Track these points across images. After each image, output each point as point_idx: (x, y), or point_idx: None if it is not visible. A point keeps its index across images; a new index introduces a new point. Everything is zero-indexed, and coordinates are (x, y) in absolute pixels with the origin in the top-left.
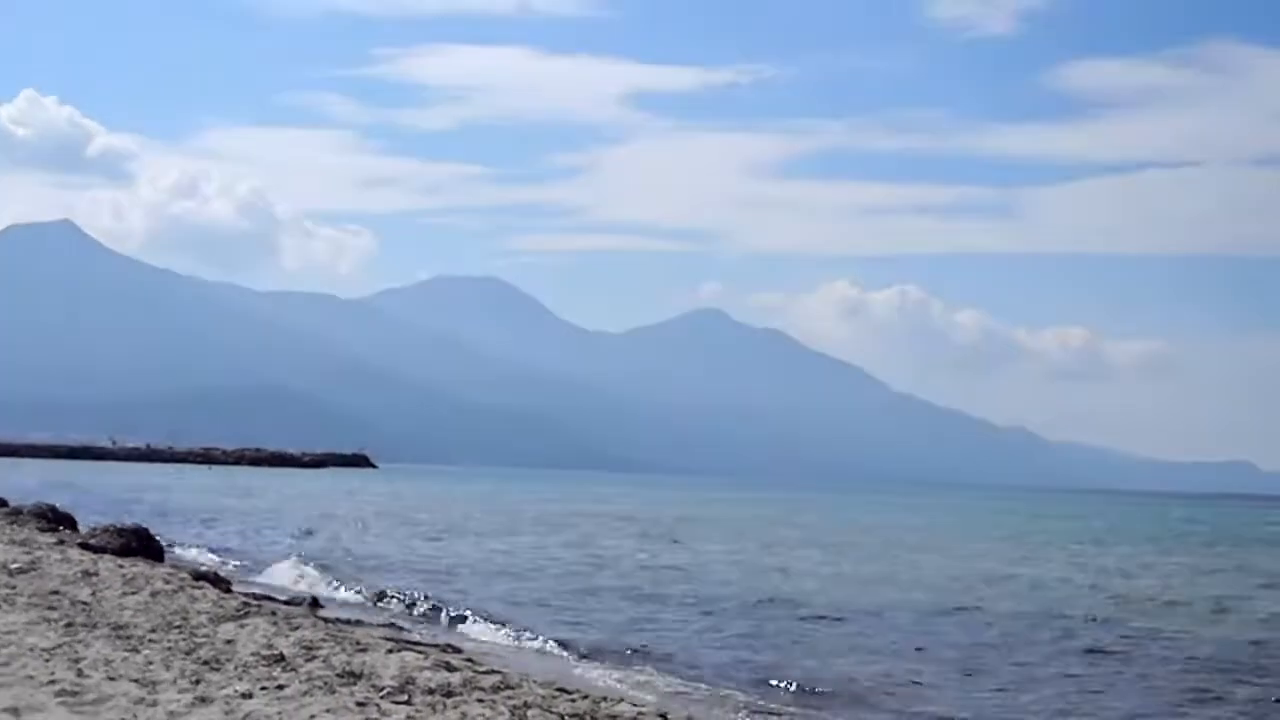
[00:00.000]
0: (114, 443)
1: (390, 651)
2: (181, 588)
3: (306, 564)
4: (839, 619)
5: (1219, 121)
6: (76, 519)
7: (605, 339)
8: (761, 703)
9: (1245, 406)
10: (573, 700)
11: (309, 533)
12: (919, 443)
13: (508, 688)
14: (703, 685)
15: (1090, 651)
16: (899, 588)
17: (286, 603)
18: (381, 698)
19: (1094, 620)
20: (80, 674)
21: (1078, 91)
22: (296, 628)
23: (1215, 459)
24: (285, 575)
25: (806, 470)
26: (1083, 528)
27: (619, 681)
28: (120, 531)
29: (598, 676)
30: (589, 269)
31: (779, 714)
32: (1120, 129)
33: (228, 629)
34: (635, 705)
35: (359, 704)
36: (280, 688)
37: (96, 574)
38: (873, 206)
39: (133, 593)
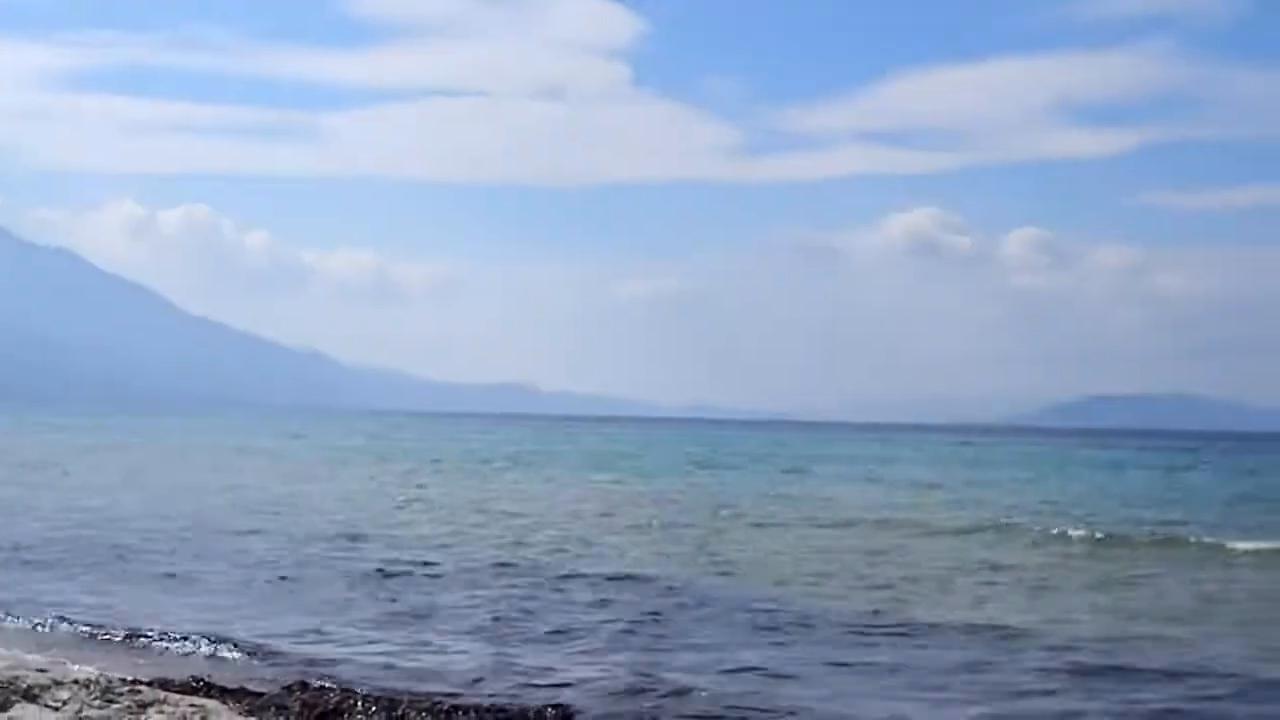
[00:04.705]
0: None
1: None
2: None
3: None
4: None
5: (504, 53)
6: None
7: None
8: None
9: (527, 330)
10: None
11: None
12: (214, 365)
13: None
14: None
15: None
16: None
17: None
18: None
19: None
20: None
21: (371, 17)
22: None
23: (501, 380)
24: None
25: (100, 395)
26: None
27: None
28: None
29: None
30: None
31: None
32: (413, 57)
33: None
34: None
35: None
36: None
37: None
38: (161, 123)
39: None
